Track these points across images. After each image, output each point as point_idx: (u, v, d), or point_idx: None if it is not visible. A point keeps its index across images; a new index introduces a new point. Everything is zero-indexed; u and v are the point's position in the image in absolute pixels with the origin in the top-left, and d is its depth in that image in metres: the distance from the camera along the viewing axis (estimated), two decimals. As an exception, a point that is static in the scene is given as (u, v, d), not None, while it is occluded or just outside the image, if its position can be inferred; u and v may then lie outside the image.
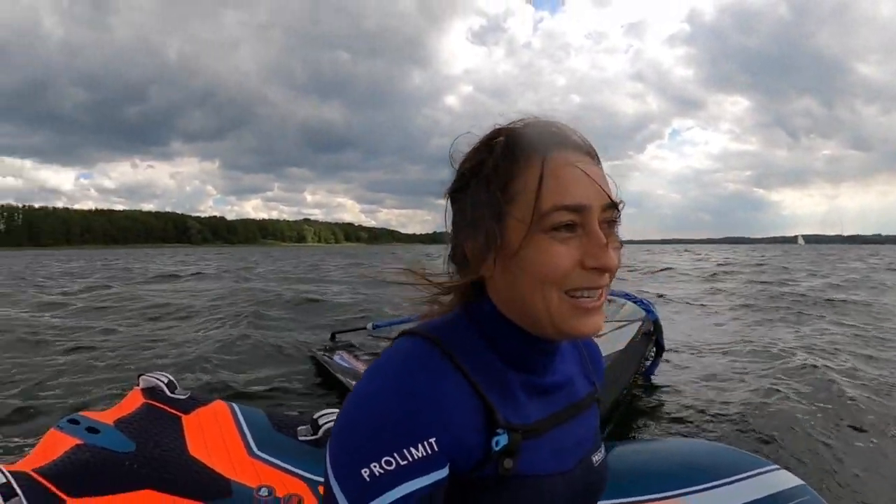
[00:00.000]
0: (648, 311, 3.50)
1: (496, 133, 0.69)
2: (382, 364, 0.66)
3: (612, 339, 3.36)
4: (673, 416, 3.47)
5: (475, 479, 0.63)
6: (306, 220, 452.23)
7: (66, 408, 3.70)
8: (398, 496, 0.55)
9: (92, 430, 1.54)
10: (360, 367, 3.84)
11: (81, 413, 1.66)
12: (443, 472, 0.60)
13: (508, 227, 0.65)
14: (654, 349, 3.60)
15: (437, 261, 0.78)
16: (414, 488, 0.56)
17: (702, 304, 9.74)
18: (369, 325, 5.13)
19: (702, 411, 3.52)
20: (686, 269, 20.93)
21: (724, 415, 3.48)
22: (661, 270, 21.03)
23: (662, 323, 4.00)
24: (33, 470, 1.25)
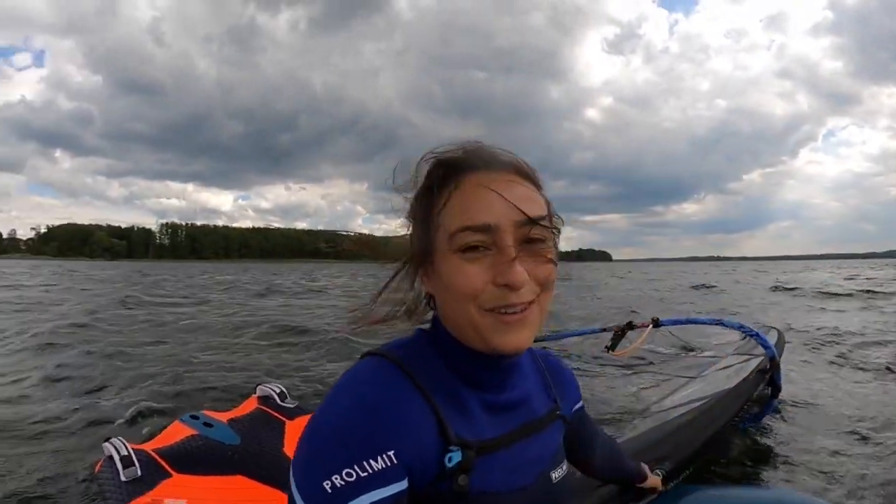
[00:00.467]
0: (765, 345, 3.17)
1: (422, 160, 0.74)
2: (346, 381, 0.68)
3: (721, 378, 3.16)
4: (774, 464, 3.01)
5: (433, 495, 0.65)
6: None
7: (209, 405, 3.83)
8: None
9: (207, 424, 1.90)
10: None
11: (203, 411, 2.03)
12: (402, 485, 0.61)
13: (434, 250, 0.69)
14: (769, 390, 3.17)
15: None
16: (374, 499, 0.58)
17: (835, 337, 7.29)
18: None
19: (809, 465, 2.99)
20: (834, 289, 17.16)
21: (837, 474, 2.87)
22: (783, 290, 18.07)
23: (782, 360, 3.36)
24: (153, 449, 1.59)
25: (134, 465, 1.30)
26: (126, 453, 1.31)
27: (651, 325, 3.42)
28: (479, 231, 0.65)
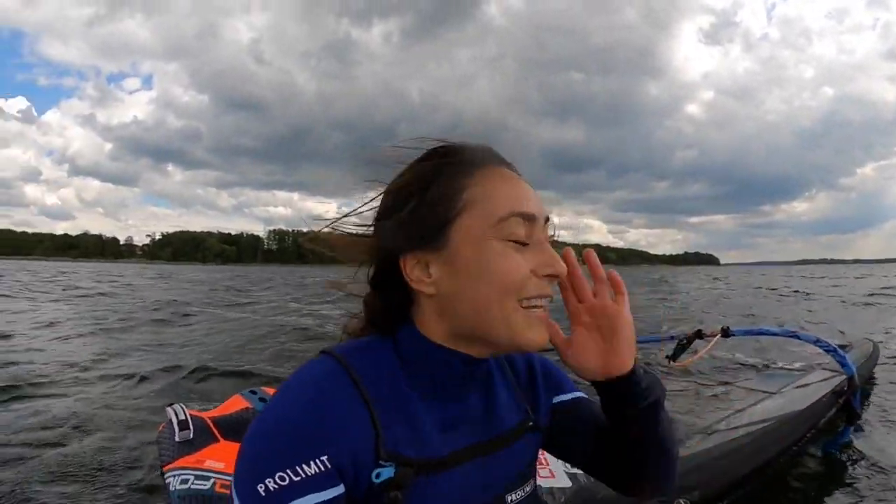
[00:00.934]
0: (843, 363, 2.88)
1: (437, 150, 0.71)
2: (289, 383, 0.66)
3: (797, 397, 2.93)
4: (848, 493, 2.53)
5: None
6: (554, 242, 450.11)
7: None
8: None
9: (262, 399, 2.03)
10: None
11: (262, 388, 2.17)
12: (338, 490, 0.60)
13: (460, 237, 0.65)
14: (845, 415, 2.89)
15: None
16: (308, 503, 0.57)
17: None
18: None
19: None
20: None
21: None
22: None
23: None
24: (209, 417, 1.74)
25: (189, 428, 1.39)
26: (183, 418, 1.40)
27: (720, 335, 3.19)
28: (528, 220, 0.65)
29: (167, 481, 1.20)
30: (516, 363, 0.85)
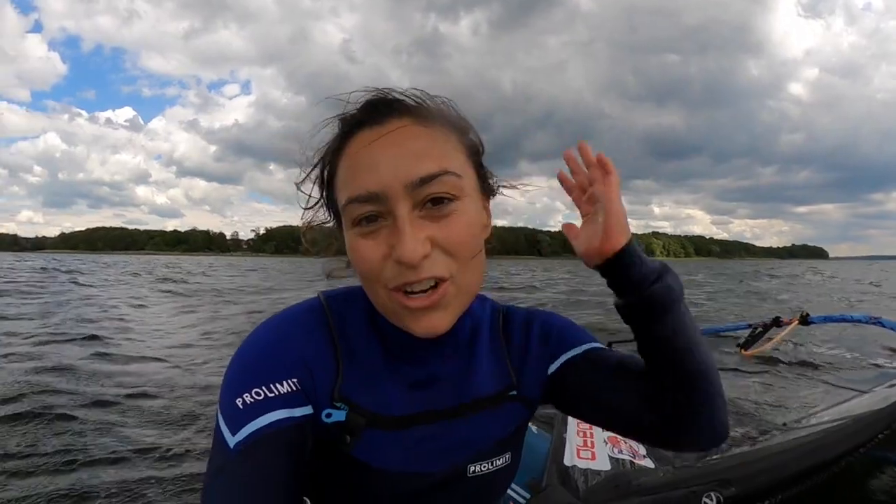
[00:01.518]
0: None
1: (327, 123, 0.66)
2: (276, 314, 0.70)
3: (884, 397, 2.45)
4: None
5: (322, 450, 0.66)
6: (654, 234, 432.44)
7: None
8: (267, 422, 0.59)
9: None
10: None
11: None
12: (307, 410, 0.63)
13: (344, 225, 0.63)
14: None
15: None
16: (281, 417, 0.60)
17: None
18: None
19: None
20: None
21: None
22: None
23: None
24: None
25: None
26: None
27: (797, 322, 3.03)
28: (366, 201, 0.57)
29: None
30: (512, 328, 0.79)
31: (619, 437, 1.75)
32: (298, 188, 0.70)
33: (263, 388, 0.60)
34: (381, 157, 0.58)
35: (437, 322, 0.60)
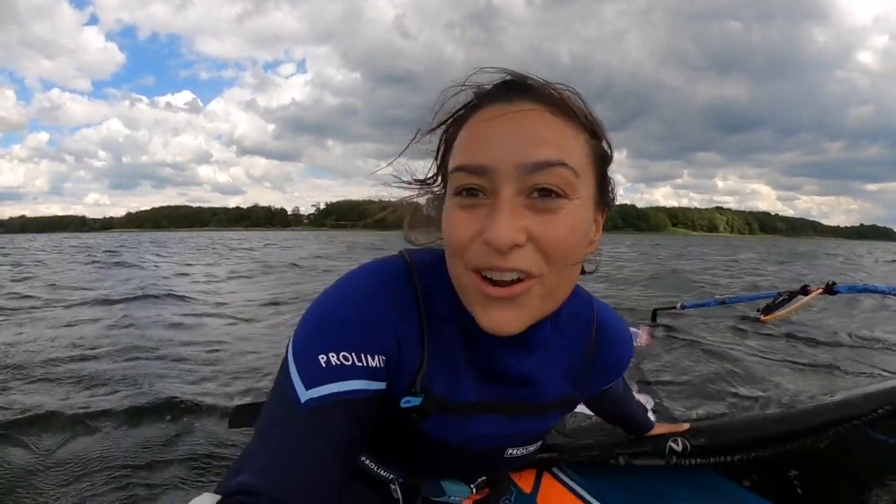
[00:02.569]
0: None
1: (450, 91, 0.64)
2: (366, 271, 0.67)
3: None
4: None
5: (385, 411, 0.66)
6: (718, 209, 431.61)
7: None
8: (346, 389, 0.57)
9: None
10: (644, 339, 3.29)
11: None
12: (382, 385, 0.63)
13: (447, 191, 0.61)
14: None
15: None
16: (360, 387, 0.59)
17: None
18: (679, 305, 4.47)
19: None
20: None
21: None
22: None
23: None
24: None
25: None
26: None
27: (822, 290, 3.03)
28: (474, 173, 0.55)
29: None
30: (606, 336, 0.81)
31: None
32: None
33: (353, 354, 0.59)
34: (501, 132, 0.55)
35: (508, 320, 0.57)
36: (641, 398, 2.10)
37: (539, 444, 0.82)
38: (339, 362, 0.58)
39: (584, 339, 0.78)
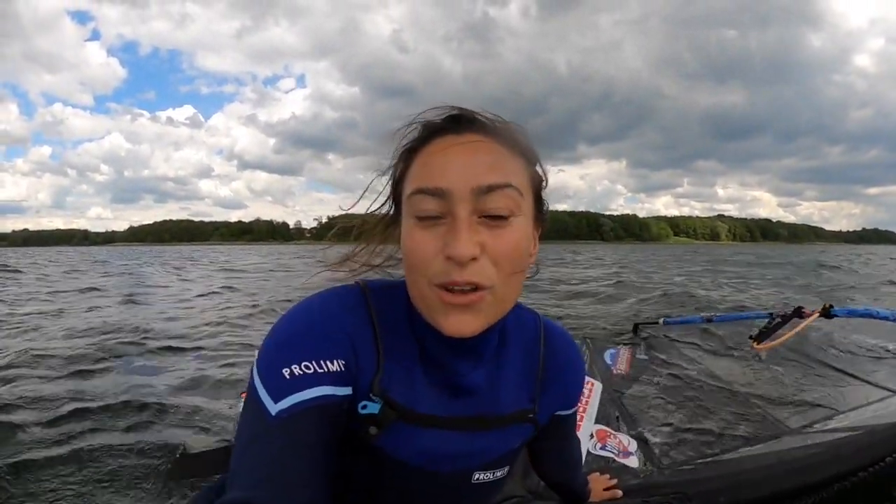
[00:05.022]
0: None
1: (406, 126, 0.69)
2: (321, 294, 0.71)
3: None
4: None
5: (350, 430, 0.67)
6: (719, 217, 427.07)
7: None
8: (313, 396, 0.60)
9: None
10: (624, 367, 3.08)
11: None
12: (348, 391, 0.65)
13: (402, 215, 0.67)
14: None
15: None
16: (325, 393, 0.61)
17: None
18: (661, 320, 4.29)
19: None
20: None
21: None
22: None
23: None
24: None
25: None
26: None
27: (818, 314, 2.79)
28: (432, 195, 0.61)
29: (239, 405, 1.26)
30: (555, 347, 0.84)
31: (610, 430, 2.06)
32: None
33: (314, 362, 0.62)
34: (454, 160, 0.62)
35: (467, 324, 0.62)
36: (622, 439, 2.04)
37: (505, 470, 0.82)
38: (301, 372, 0.61)
39: (534, 347, 0.82)
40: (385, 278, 0.77)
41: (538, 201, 0.71)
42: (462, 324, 0.62)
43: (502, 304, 0.65)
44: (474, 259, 0.60)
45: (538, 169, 0.71)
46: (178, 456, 1.38)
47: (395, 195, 0.72)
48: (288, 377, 0.61)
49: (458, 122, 0.66)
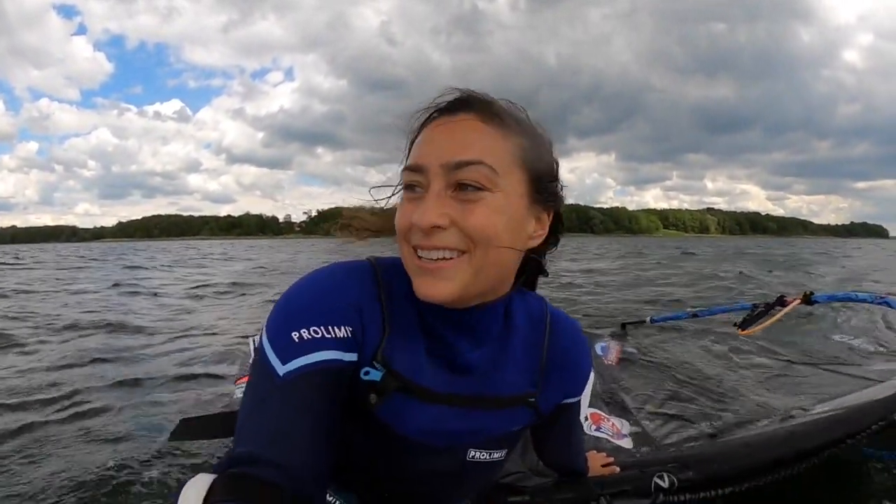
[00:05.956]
0: None
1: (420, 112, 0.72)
2: (332, 265, 0.74)
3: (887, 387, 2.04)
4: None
5: (348, 399, 0.68)
6: (709, 210, 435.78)
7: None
8: (320, 359, 0.62)
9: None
10: (614, 358, 3.14)
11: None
12: (354, 357, 0.67)
13: None
14: None
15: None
16: (331, 357, 0.63)
17: None
18: (648, 319, 4.35)
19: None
20: None
21: None
22: None
23: None
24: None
25: None
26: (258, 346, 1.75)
27: (799, 301, 2.86)
28: (414, 171, 0.66)
29: (234, 392, 1.35)
30: (560, 335, 0.84)
31: (603, 414, 2.09)
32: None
33: (322, 327, 0.64)
34: (435, 138, 0.66)
35: (439, 289, 0.64)
36: (616, 422, 2.08)
37: (503, 453, 0.83)
38: (310, 336, 0.63)
39: (538, 334, 0.83)
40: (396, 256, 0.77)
41: (537, 182, 0.70)
42: (433, 288, 0.65)
43: (482, 273, 0.66)
44: (439, 227, 0.63)
45: (540, 148, 0.71)
46: (181, 419, 1.41)
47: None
48: (297, 340, 0.62)
49: (454, 104, 0.68)
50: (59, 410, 3.00)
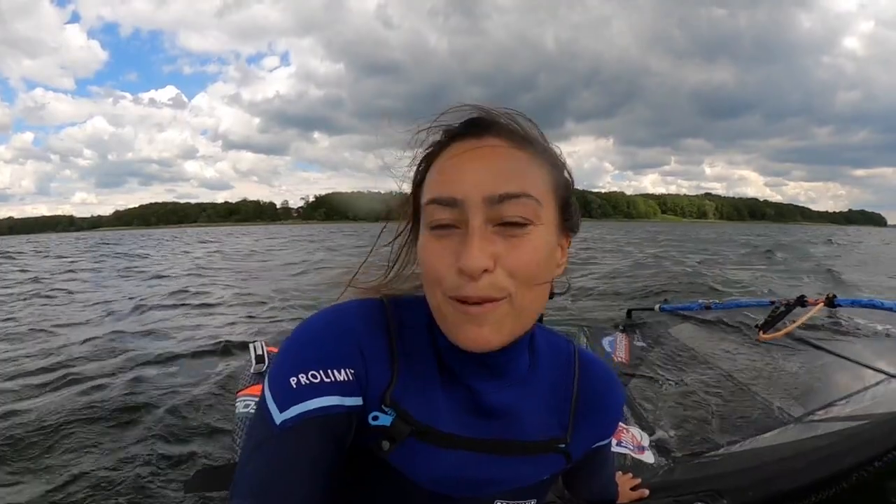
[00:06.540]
0: None
1: (421, 130, 0.67)
2: (337, 305, 0.70)
3: None
4: None
5: (358, 445, 0.64)
6: (707, 195, 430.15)
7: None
8: (319, 405, 0.59)
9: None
10: (623, 355, 3.03)
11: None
12: (357, 401, 0.62)
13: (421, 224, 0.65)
14: None
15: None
16: (333, 403, 0.60)
17: None
18: (657, 307, 4.22)
19: None
20: None
21: None
22: None
23: None
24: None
25: (264, 362, 1.41)
26: (260, 353, 1.43)
27: (823, 304, 2.80)
28: (445, 205, 0.59)
29: (236, 405, 1.30)
30: (590, 378, 0.79)
31: (622, 425, 2.01)
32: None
33: (321, 371, 0.61)
34: (469, 168, 0.59)
35: (486, 336, 0.59)
36: (635, 433, 2.02)
37: (533, 502, 0.77)
38: (307, 381, 0.60)
39: (566, 375, 0.78)
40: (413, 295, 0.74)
41: (564, 207, 0.66)
42: (478, 337, 0.59)
43: (522, 316, 0.61)
44: (487, 271, 0.57)
45: (565, 173, 0.68)
46: (196, 471, 1.42)
47: (415, 201, 0.69)
48: (294, 386, 0.60)
49: (479, 126, 0.63)
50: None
